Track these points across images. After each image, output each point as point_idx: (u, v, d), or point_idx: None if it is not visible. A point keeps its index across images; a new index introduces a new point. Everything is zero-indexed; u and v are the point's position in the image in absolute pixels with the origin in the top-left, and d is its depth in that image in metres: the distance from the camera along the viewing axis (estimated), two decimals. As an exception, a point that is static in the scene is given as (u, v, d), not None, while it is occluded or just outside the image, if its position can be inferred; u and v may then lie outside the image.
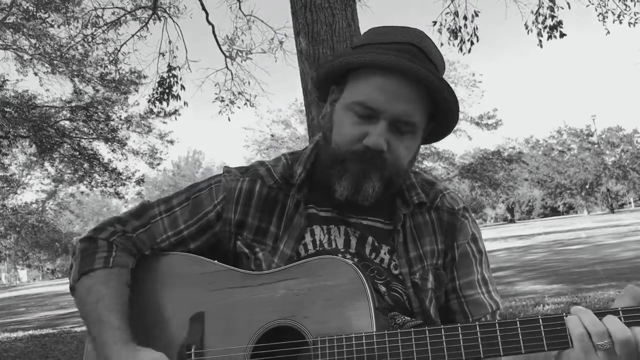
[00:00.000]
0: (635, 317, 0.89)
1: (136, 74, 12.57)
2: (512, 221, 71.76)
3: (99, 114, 13.80)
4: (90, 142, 14.38)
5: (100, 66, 12.06)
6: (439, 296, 1.23)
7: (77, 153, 14.12)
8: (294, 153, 1.33)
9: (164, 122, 14.05)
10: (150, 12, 10.05)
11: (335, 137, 1.18)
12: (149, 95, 10.05)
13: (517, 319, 0.94)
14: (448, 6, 8.09)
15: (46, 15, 10.91)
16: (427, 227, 1.25)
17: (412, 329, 0.99)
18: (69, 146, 14.09)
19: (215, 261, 1.22)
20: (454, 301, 1.25)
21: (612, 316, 0.90)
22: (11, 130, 12.60)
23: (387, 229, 1.25)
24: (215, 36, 10.03)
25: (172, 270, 1.23)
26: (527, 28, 8.23)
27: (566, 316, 0.93)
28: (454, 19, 8.05)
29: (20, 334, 10.48)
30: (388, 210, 1.26)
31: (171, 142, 15.58)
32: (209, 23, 9.75)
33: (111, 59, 11.06)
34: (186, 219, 1.26)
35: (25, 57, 12.25)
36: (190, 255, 1.24)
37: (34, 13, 10.64)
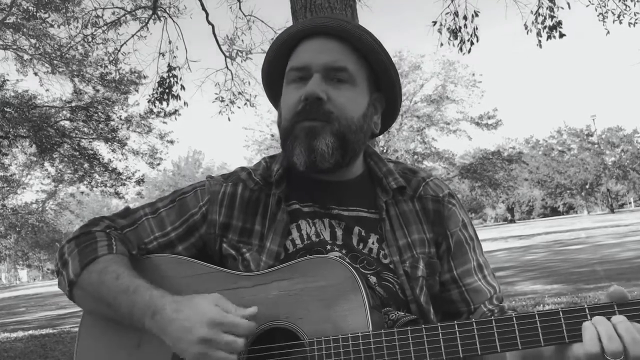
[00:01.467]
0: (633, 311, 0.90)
1: (136, 74, 12.56)
2: (512, 221, 71.74)
3: (99, 114, 13.80)
4: (90, 142, 14.39)
5: (100, 66, 12.04)
6: (432, 285, 1.22)
7: (77, 153, 14.12)
8: (273, 156, 1.34)
9: (164, 122, 14.03)
10: (150, 12, 10.04)
11: (283, 113, 1.22)
12: (149, 95, 10.03)
13: (513, 314, 0.95)
14: (448, 6, 8.08)
15: (46, 15, 10.90)
16: (412, 216, 1.24)
17: (409, 328, 0.98)
18: (69, 146, 14.09)
19: (205, 263, 1.20)
20: (454, 291, 1.25)
21: (627, 323, 0.89)
22: (11, 130, 12.60)
23: (373, 217, 1.24)
24: (215, 36, 10.01)
25: (162, 272, 1.21)
26: (526, 28, 8.22)
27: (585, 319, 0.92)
28: (454, 19, 8.04)
29: (20, 334, 10.47)
30: (370, 200, 1.26)
31: (171, 142, 15.57)
32: (209, 23, 9.73)
33: (111, 59, 11.04)
34: (172, 220, 1.26)
35: (25, 57, 12.26)
36: (179, 257, 1.22)
37: (34, 13, 10.64)
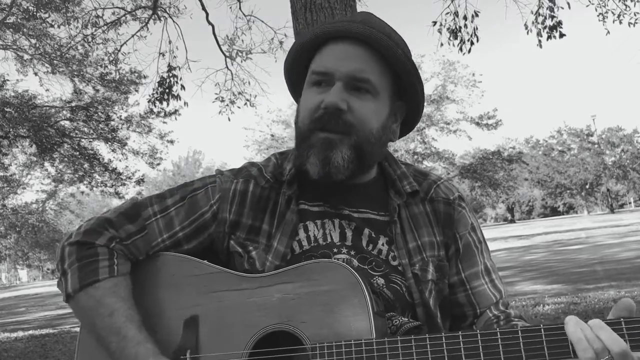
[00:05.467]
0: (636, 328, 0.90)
1: (136, 74, 12.54)
2: (512, 221, 71.79)
3: (99, 114, 13.79)
4: (90, 142, 14.38)
5: (100, 66, 12.01)
6: (442, 288, 1.22)
7: (77, 153, 14.11)
8: (283, 152, 1.33)
9: (164, 122, 14.02)
10: (150, 12, 10.03)
11: (301, 115, 1.20)
12: (149, 95, 10.02)
13: (518, 328, 0.94)
14: (448, 6, 8.06)
15: (46, 15, 10.88)
16: (423, 218, 1.24)
17: (413, 337, 0.98)
18: (69, 146, 14.08)
19: (209, 262, 1.19)
20: (461, 294, 1.25)
21: (606, 327, 0.90)
22: (11, 130, 12.58)
23: (383, 220, 1.23)
24: (215, 36, 10.00)
25: (165, 271, 1.20)
26: (526, 28, 8.20)
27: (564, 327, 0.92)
28: (454, 19, 8.02)
29: (20, 334, 10.48)
30: (381, 202, 1.25)
31: (171, 142, 15.54)
32: (209, 23, 9.73)
33: (111, 59, 11.02)
34: (182, 219, 1.24)
35: (25, 57, 12.23)
36: (182, 256, 1.21)
37: (34, 13, 10.62)
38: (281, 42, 10.20)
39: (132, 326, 1.10)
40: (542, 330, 0.92)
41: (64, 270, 1.18)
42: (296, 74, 1.28)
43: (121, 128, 14.33)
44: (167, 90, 9.77)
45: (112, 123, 14.07)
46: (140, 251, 1.22)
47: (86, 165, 14.33)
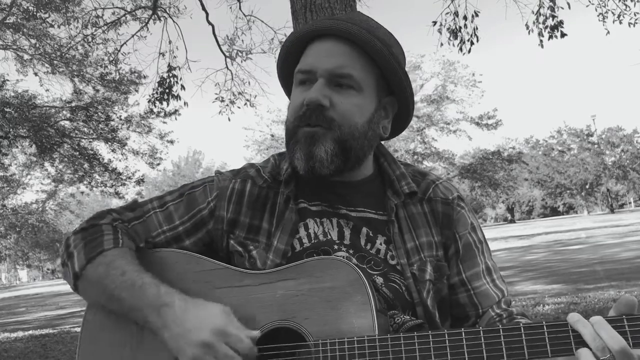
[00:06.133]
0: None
1: (136, 74, 12.55)
2: (512, 221, 71.82)
3: (99, 114, 13.79)
4: (90, 142, 14.38)
5: (100, 66, 12.02)
6: (440, 288, 1.22)
7: (77, 153, 14.12)
8: (282, 153, 1.34)
9: (164, 122, 14.04)
10: (150, 12, 10.04)
11: (288, 115, 1.22)
12: (149, 95, 10.02)
13: (521, 324, 0.94)
14: (448, 6, 8.06)
15: (46, 15, 10.89)
16: (421, 218, 1.24)
17: (416, 333, 0.98)
18: (69, 146, 14.08)
19: (212, 259, 1.20)
20: (462, 294, 1.24)
21: (606, 325, 0.89)
22: (11, 130, 12.58)
23: (381, 219, 1.23)
24: (215, 36, 10.00)
25: (169, 267, 1.20)
26: (527, 28, 8.20)
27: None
28: (454, 19, 8.02)
29: (20, 334, 10.48)
30: (379, 201, 1.25)
31: (171, 142, 15.56)
32: (209, 23, 9.72)
33: (111, 59, 11.02)
34: (181, 214, 1.26)
35: (25, 57, 12.24)
36: (186, 253, 1.22)
37: (34, 13, 10.63)
38: (281, 42, 10.20)
39: (146, 275, 1.11)
40: (545, 327, 0.92)
41: (69, 253, 1.19)
42: (288, 71, 1.29)
43: (121, 128, 14.34)
44: (167, 90, 9.78)
45: (112, 123, 14.07)
46: (139, 237, 1.24)
47: (86, 165, 14.34)
